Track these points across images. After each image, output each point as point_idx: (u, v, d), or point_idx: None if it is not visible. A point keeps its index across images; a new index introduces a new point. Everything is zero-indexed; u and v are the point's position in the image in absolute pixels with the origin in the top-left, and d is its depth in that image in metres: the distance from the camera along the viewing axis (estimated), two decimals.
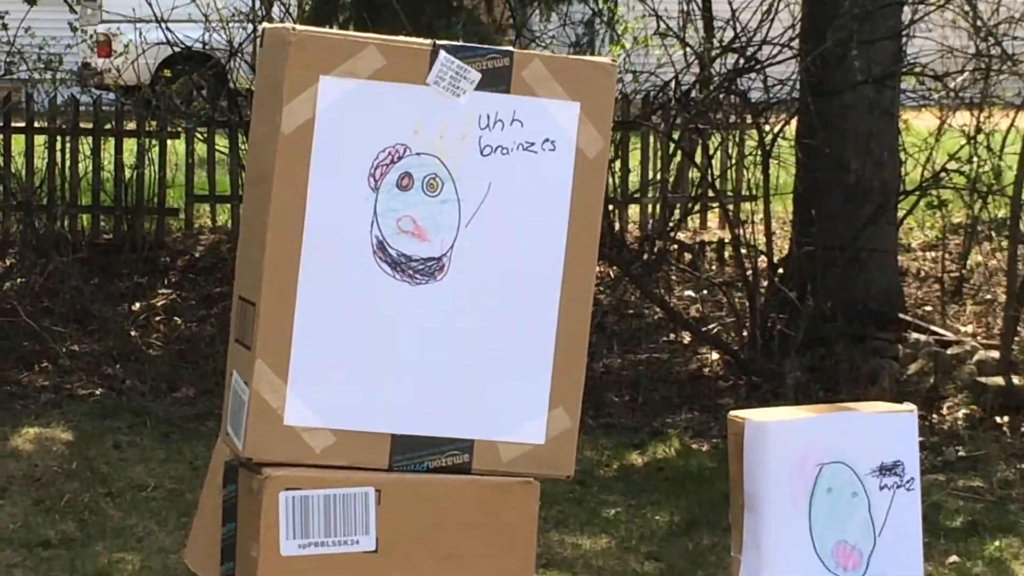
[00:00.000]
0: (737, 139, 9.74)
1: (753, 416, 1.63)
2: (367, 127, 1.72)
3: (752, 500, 1.59)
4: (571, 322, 1.80)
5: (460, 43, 1.84)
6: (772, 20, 8.20)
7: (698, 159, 9.36)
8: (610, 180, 9.69)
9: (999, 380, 7.28)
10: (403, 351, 1.76)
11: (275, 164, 1.69)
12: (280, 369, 1.71)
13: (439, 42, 1.78)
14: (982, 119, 8.98)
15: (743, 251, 8.42)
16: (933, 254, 10.26)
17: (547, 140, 1.81)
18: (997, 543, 5.98)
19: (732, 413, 1.69)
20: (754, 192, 9.23)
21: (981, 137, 8.83)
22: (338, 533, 1.73)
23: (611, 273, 9.16)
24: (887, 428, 1.69)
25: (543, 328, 1.80)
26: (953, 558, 5.91)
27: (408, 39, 1.88)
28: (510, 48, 1.91)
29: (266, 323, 1.69)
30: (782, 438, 1.59)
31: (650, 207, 10.20)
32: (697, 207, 10.25)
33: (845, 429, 1.63)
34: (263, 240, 1.70)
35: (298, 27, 1.74)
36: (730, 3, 8.30)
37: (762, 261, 8.44)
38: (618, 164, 9.89)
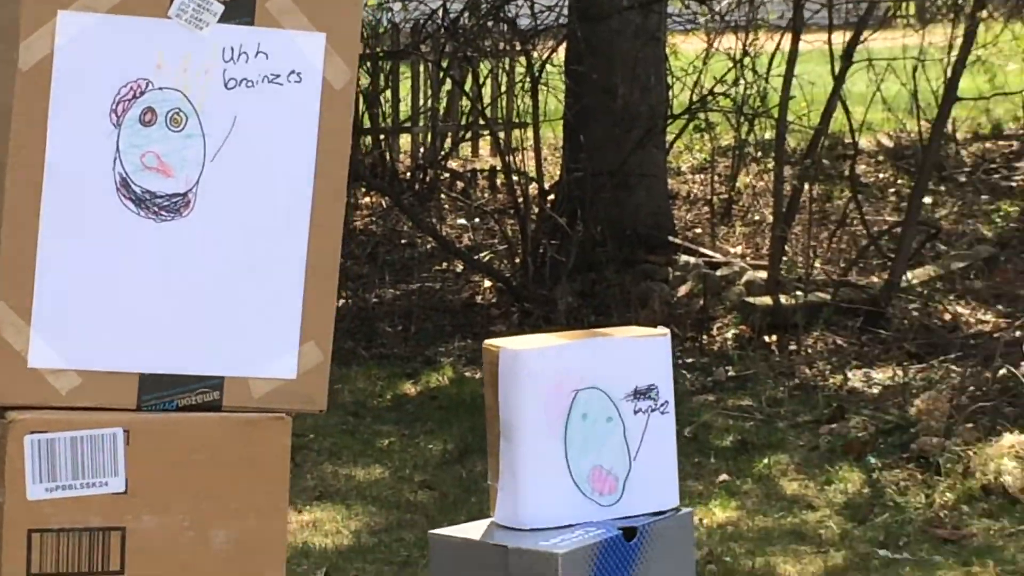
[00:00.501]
0: (507, 67, 9.86)
1: (507, 344, 1.65)
2: (107, 62, 1.72)
3: (508, 428, 1.61)
4: (320, 255, 1.83)
5: None
6: None
7: (468, 87, 9.48)
8: (381, 110, 9.96)
9: (767, 300, 7.68)
10: (149, 289, 1.77)
11: (13, 101, 1.68)
12: (22, 310, 1.71)
13: None
14: (748, 43, 9.30)
15: (514, 179, 8.64)
16: (702, 177, 10.66)
17: (293, 72, 1.83)
18: (765, 460, 6.32)
19: (487, 342, 1.70)
20: (524, 119, 9.40)
21: (747, 60, 9.22)
22: (86, 475, 1.74)
23: (383, 203, 9.31)
24: (641, 352, 1.70)
25: (292, 262, 1.83)
26: (723, 476, 6.26)
27: None
28: None
29: (6, 264, 1.68)
30: (536, 365, 1.61)
31: (421, 136, 10.33)
32: (468, 135, 10.42)
33: (599, 355, 1.65)
34: (2, 180, 1.70)
35: None
36: None
37: (533, 188, 8.65)
38: (388, 94, 10.00)
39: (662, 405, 1.69)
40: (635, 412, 1.66)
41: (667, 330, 1.77)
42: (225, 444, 1.83)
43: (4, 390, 1.71)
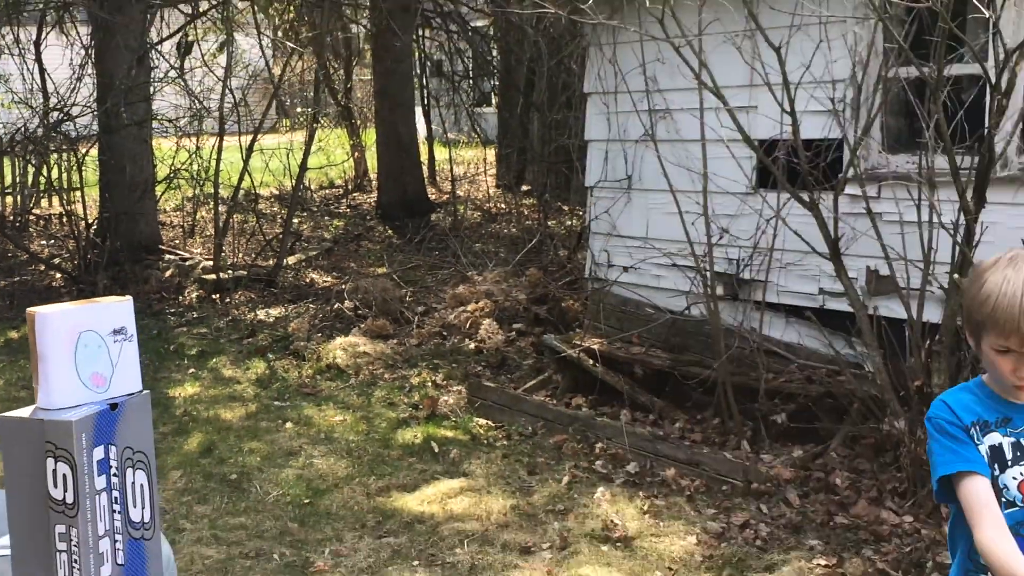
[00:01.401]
0: (67, 158, 12.09)
1: (41, 310, 1.68)
2: None
3: (42, 356, 1.68)
4: None
5: None
6: (78, 90, 10.93)
7: (43, 169, 11.51)
8: None
9: (213, 276, 9.95)
10: None
11: None
12: None
13: None
14: (198, 141, 11.96)
15: (73, 219, 10.88)
16: (178, 212, 13.25)
17: None
18: (214, 360, 8.00)
19: (29, 309, 1.72)
20: (75, 186, 11.59)
21: (196, 151, 11.70)
22: None
23: None
24: (117, 309, 1.75)
25: None
26: (192, 369, 7.79)
27: None
28: None
29: None
30: (57, 321, 1.69)
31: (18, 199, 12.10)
32: (44, 195, 12.36)
33: (93, 311, 1.73)
34: None
35: None
36: (52, 80, 11.07)
37: (83, 225, 10.86)
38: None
39: (129, 336, 1.74)
40: (115, 342, 1.73)
41: (129, 297, 1.80)
42: None
43: None
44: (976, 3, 4.80)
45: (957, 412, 2.25)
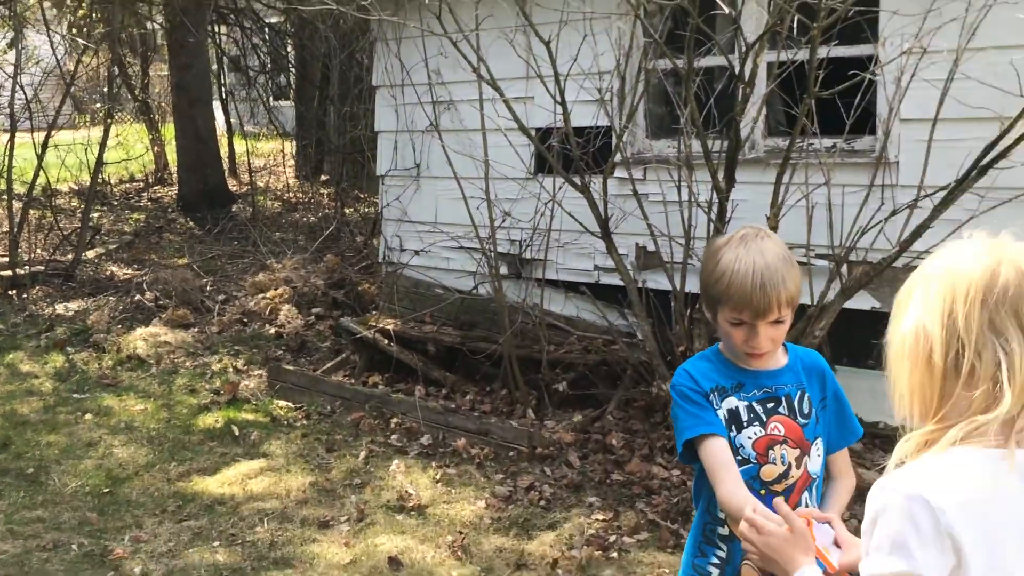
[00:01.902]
0: None
1: None
2: None
3: None
4: None
5: None
6: None
7: None
8: None
9: (8, 272, 9.40)
10: None
11: None
12: None
13: None
14: None
15: None
16: None
17: None
18: (10, 356, 7.58)
19: None
20: None
21: None
22: None
23: None
24: None
25: None
26: None
27: None
28: None
29: None
30: None
31: None
32: None
33: None
34: None
35: None
36: None
37: None
38: None
39: None
40: None
41: None
42: None
43: None
44: (720, 1, 4.99)
45: (697, 379, 2.33)
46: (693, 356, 2.45)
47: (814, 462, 2.31)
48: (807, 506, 2.29)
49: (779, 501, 2.03)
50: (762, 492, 2.27)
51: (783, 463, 2.29)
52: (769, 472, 2.29)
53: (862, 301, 5.24)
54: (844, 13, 4.59)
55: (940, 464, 1.49)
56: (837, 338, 5.20)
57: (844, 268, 4.90)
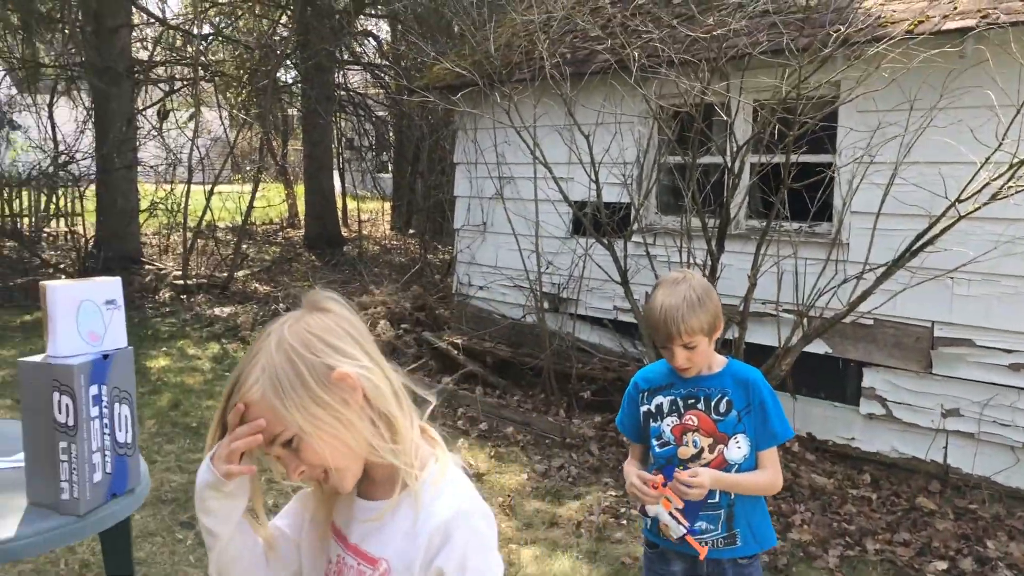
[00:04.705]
0: (71, 191, 11.14)
1: (52, 283, 1.58)
2: None
3: (51, 318, 1.56)
4: None
5: None
6: (81, 140, 10.27)
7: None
8: None
9: (181, 282, 9.33)
10: None
11: None
12: None
13: None
14: (172, 183, 11.21)
15: (75, 236, 10.01)
16: (156, 235, 12.52)
17: None
18: (181, 342, 7.45)
19: (42, 283, 1.59)
20: (79, 212, 10.77)
21: (170, 190, 10.84)
22: None
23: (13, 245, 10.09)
24: (109, 285, 1.65)
25: None
26: (163, 348, 7.30)
27: None
28: None
29: None
30: (63, 292, 1.58)
31: (33, 220, 10.86)
32: (52, 220, 11.21)
33: (92, 286, 1.60)
34: None
35: None
36: (60, 132, 10.37)
37: (83, 240, 9.95)
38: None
39: (118, 306, 1.63)
40: (107, 309, 1.62)
41: (119, 278, 1.67)
42: None
43: None
44: (719, 111, 4.98)
45: (640, 380, 2.30)
46: (655, 361, 2.36)
47: (732, 452, 2.18)
48: None
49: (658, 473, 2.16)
50: (679, 468, 2.18)
51: (695, 447, 2.20)
52: (684, 452, 2.20)
53: (818, 347, 5.13)
54: (812, 127, 4.57)
55: None
56: (799, 373, 5.09)
57: (805, 321, 4.82)
